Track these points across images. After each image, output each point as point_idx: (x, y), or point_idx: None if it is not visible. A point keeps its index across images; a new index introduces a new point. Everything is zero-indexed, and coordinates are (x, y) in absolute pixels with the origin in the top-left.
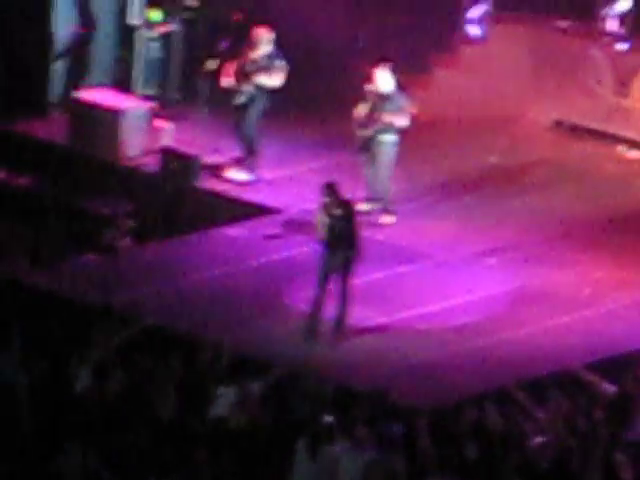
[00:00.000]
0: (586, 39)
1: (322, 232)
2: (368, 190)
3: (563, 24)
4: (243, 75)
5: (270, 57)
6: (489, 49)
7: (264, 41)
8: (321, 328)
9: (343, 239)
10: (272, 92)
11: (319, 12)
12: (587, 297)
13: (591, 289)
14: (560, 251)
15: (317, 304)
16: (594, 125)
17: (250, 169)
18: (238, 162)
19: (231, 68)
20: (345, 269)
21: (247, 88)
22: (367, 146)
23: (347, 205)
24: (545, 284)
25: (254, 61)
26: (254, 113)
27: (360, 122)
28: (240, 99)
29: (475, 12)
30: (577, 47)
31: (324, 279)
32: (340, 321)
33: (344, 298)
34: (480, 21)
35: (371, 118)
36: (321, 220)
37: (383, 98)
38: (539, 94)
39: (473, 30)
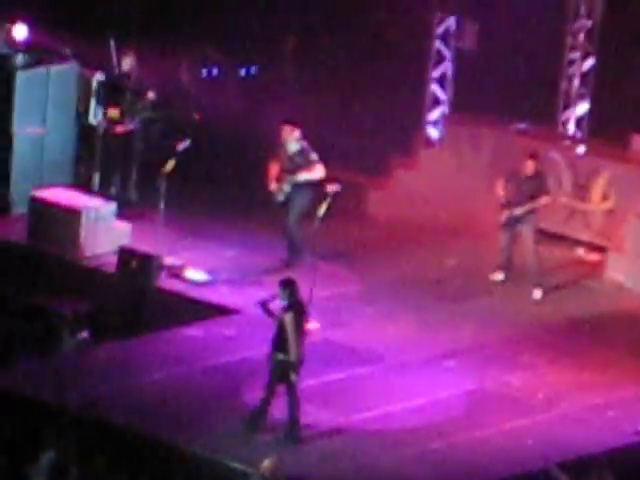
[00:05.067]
0: (546, 142)
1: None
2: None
3: (523, 126)
4: (283, 175)
5: (302, 153)
6: (447, 151)
7: (292, 139)
8: (263, 424)
9: (280, 341)
10: (311, 187)
11: (280, 112)
12: (544, 400)
13: (546, 392)
14: (518, 353)
15: (262, 402)
16: (554, 228)
17: (292, 265)
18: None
19: (274, 170)
20: (283, 374)
21: (287, 188)
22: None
23: (291, 307)
24: (503, 386)
25: (290, 159)
26: (296, 211)
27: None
28: (279, 198)
29: (434, 114)
30: (536, 149)
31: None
32: (292, 425)
33: (290, 402)
34: (438, 123)
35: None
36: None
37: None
38: (498, 197)
39: (432, 132)
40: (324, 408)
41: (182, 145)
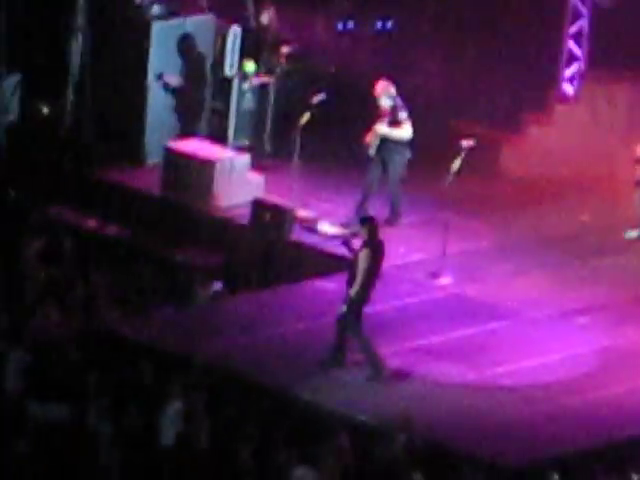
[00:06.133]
0: None
1: None
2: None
3: None
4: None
5: (394, 109)
6: (582, 107)
7: (386, 95)
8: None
9: (352, 277)
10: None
11: (413, 68)
12: None
13: None
14: None
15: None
16: None
17: (391, 224)
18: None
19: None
20: (347, 306)
21: (375, 141)
22: None
23: (368, 244)
24: (636, 344)
25: (381, 116)
26: (394, 169)
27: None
28: (370, 151)
29: (570, 70)
30: None
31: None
32: (371, 364)
33: (336, 336)
34: (574, 79)
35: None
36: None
37: None
38: (633, 153)
39: (567, 88)
40: (456, 363)
41: (317, 98)
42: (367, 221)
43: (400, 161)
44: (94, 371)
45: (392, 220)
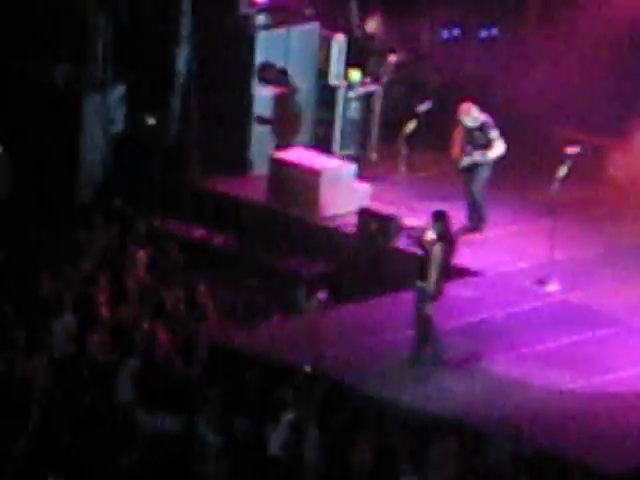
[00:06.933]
0: None
1: None
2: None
3: None
4: (464, 145)
5: (483, 129)
6: None
7: (469, 117)
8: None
9: (423, 270)
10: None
11: (523, 77)
12: None
13: None
14: None
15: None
16: None
17: (473, 232)
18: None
19: (458, 135)
20: (418, 301)
21: (465, 161)
22: None
23: (440, 237)
24: None
25: (469, 133)
26: (478, 181)
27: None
28: (463, 163)
29: None
30: None
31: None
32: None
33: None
34: None
35: None
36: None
37: None
38: None
39: None
40: (564, 370)
41: (423, 107)
42: (440, 216)
43: (487, 171)
44: (204, 383)
45: (477, 225)
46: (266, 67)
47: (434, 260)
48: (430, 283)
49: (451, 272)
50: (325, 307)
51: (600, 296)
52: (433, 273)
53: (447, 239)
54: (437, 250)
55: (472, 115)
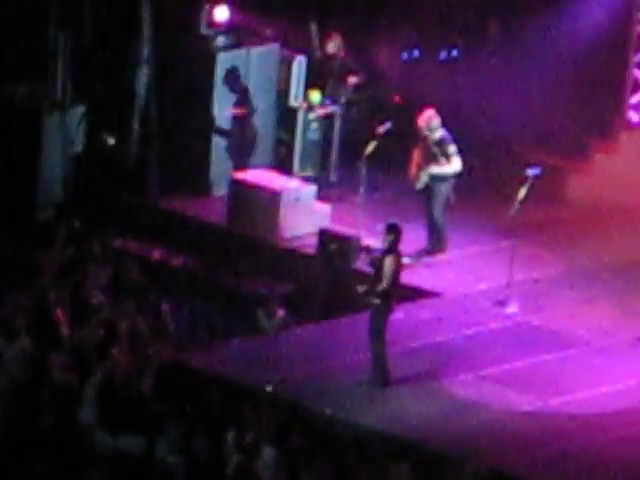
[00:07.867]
0: None
1: None
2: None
3: None
4: (423, 163)
5: (441, 143)
6: None
7: (428, 126)
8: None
9: (374, 284)
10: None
11: (483, 98)
12: None
13: None
14: None
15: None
16: None
17: (436, 253)
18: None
19: (416, 156)
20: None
21: (424, 177)
22: None
23: (393, 251)
24: None
25: (429, 148)
26: (437, 199)
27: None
28: (420, 184)
29: (636, 98)
30: None
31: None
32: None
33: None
34: (639, 107)
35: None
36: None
37: None
38: None
39: (632, 116)
40: (523, 391)
41: (383, 128)
42: (392, 228)
43: (445, 188)
44: (163, 403)
45: (435, 246)
46: (231, 73)
47: (386, 272)
48: (382, 284)
49: (399, 286)
50: (284, 327)
51: (560, 317)
52: (384, 283)
53: (396, 253)
54: (387, 263)
55: (433, 124)
